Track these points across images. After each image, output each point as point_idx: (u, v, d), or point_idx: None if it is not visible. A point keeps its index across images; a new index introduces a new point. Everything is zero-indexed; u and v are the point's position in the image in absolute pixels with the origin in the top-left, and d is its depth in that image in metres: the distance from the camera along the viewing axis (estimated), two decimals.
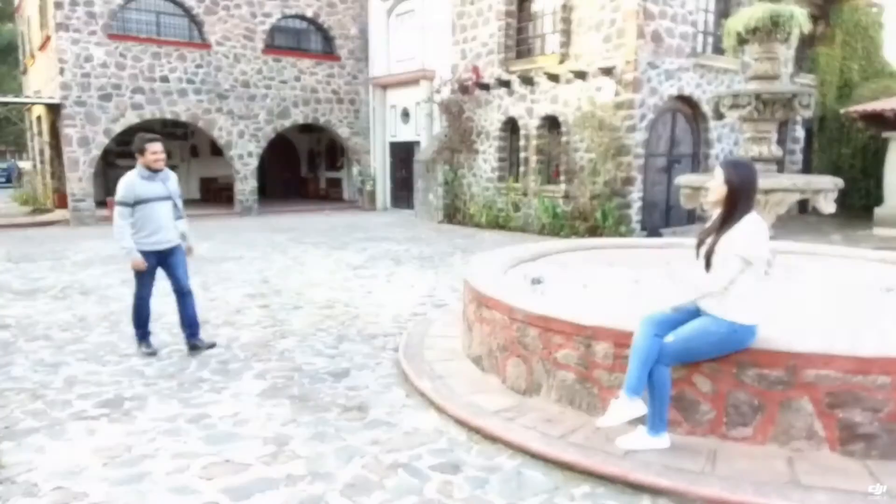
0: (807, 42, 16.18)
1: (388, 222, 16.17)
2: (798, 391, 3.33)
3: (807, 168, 16.80)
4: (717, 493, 2.99)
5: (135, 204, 5.05)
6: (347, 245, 12.05)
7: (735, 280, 3.27)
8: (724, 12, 13.12)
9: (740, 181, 3.28)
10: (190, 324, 5.40)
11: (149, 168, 5.08)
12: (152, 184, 5.11)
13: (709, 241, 3.37)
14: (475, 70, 15.36)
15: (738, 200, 3.28)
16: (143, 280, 5.26)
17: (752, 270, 3.28)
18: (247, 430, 3.91)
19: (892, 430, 3.24)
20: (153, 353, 5.31)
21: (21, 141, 32.97)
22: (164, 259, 5.25)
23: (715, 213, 3.44)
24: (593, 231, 12.35)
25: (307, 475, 3.35)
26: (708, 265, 3.39)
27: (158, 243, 5.17)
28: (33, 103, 18.75)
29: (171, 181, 5.29)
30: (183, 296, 5.36)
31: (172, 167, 20.98)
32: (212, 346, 5.47)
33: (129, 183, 5.04)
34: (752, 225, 3.25)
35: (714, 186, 3.38)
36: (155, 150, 5.05)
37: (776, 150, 5.71)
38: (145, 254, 5.12)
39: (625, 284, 6.16)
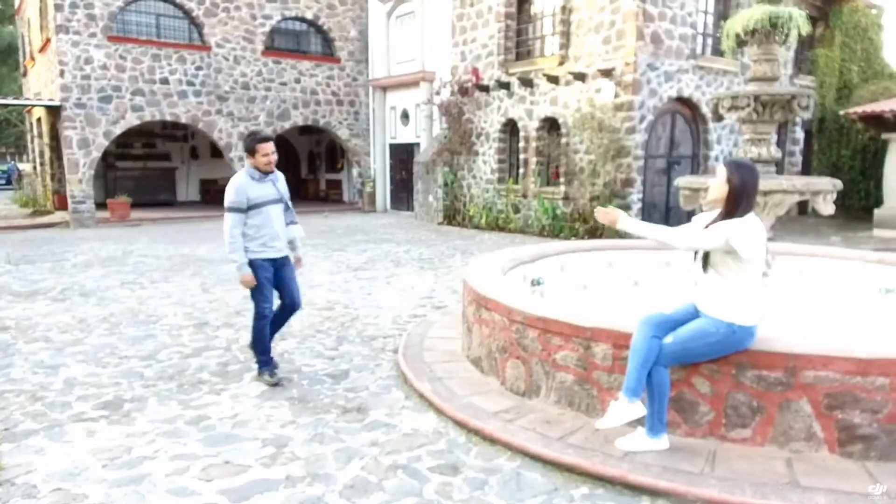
0: (806, 43, 16.20)
1: (387, 224, 16.17)
2: (797, 392, 3.33)
3: (806, 169, 16.81)
4: (716, 495, 2.99)
5: (248, 209, 4.52)
6: (347, 246, 12.06)
7: (700, 248, 3.31)
8: (723, 14, 13.14)
9: (742, 182, 3.27)
10: (274, 332, 4.92)
11: (259, 170, 4.60)
12: (264, 185, 4.60)
13: None
14: (475, 72, 15.37)
15: (739, 201, 3.27)
16: (264, 295, 4.64)
17: (748, 268, 3.27)
18: (246, 431, 3.91)
19: (891, 432, 3.24)
20: (278, 384, 4.68)
21: (21, 143, 33.01)
22: (277, 269, 4.70)
23: (714, 212, 3.45)
24: (593, 232, 12.35)
25: (306, 476, 3.35)
26: (705, 266, 3.40)
27: (274, 251, 4.65)
28: (33, 105, 18.78)
29: (280, 182, 4.77)
30: (293, 311, 4.87)
31: (173, 169, 20.92)
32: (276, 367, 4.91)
33: (240, 185, 4.52)
34: (748, 223, 3.25)
35: (715, 185, 3.37)
36: (266, 150, 4.55)
37: (775, 152, 5.71)
38: (261, 264, 4.58)
39: (624, 286, 6.17)
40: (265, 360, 4.79)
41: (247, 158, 4.63)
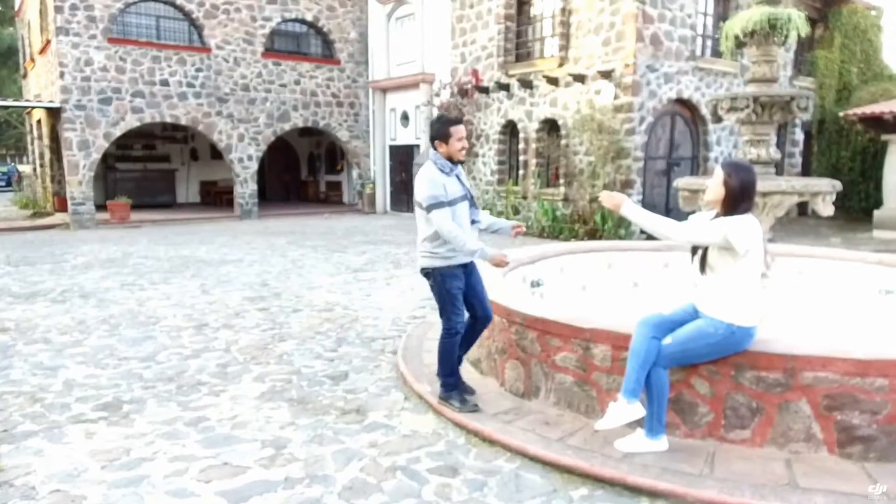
0: (805, 45, 16.21)
1: (387, 225, 16.17)
2: (796, 393, 3.33)
3: (806, 171, 16.82)
4: (715, 496, 2.99)
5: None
6: (347, 248, 12.06)
7: (698, 241, 3.32)
8: (722, 15, 13.15)
9: (740, 184, 3.27)
10: (466, 350, 4.34)
11: (450, 159, 3.99)
12: (451, 179, 3.98)
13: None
14: (474, 73, 15.38)
15: (737, 202, 3.27)
16: (456, 308, 4.03)
17: (746, 267, 3.28)
18: (245, 432, 3.91)
19: (891, 433, 3.23)
20: (475, 410, 4.02)
21: (21, 144, 33.02)
22: (466, 276, 4.11)
23: (712, 213, 3.45)
24: (592, 234, 12.35)
25: (305, 478, 3.35)
26: (703, 267, 3.40)
27: (465, 255, 4.04)
28: (33, 107, 18.78)
29: (463, 175, 4.14)
30: (486, 324, 4.24)
31: (173, 171, 20.90)
32: (470, 393, 4.24)
33: (435, 178, 3.91)
34: (745, 220, 3.25)
35: (712, 186, 3.38)
36: (461, 134, 3.96)
37: (775, 153, 5.72)
38: (451, 272, 3.99)
39: (623, 287, 6.17)
40: (452, 384, 4.13)
41: (437, 147, 3.98)
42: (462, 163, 4.05)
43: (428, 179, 3.91)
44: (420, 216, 4.01)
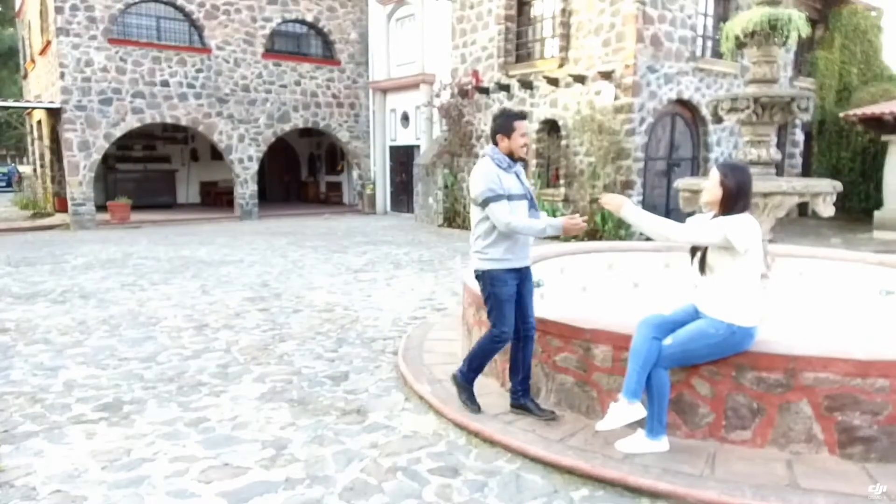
0: (806, 46, 16.21)
1: (387, 226, 16.17)
2: (797, 394, 3.33)
3: (806, 171, 16.81)
4: (716, 497, 2.99)
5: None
6: (347, 249, 12.06)
7: (698, 241, 3.33)
8: (722, 16, 13.15)
9: (736, 185, 3.31)
10: (526, 375, 3.97)
11: (511, 156, 3.83)
12: (509, 175, 3.80)
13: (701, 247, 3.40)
14: (475, 74, 15.38)
15: (734, 203, 3.31)
16: (503, 314, 3.80)
17: (746, 267, 3.28)
18: (245, 433, 3.91)
19: (891, 433, 3.23)
20: (477, 411, 3.97)
21: (21, 145, 33.02)
22: (518, 282, 3.90)
23: (710, 214, 3.46)
24: (593, 234, 12.34)
25: (306, 479, 3.34)
26: (702, 269, 3.40)
27: (519, 259, 3.86)
28: (34, 107, 18.79)
29: (523, 174, 3.96)
30: (527, 341, 3.93)
31: (173, 171, 20.89)
32: (552, 416, 3.87)
33: (489, 171, 3.74)
34: (743, 219, 3.28)
35: (709, 187, 3.41)
36: (524, 129, 3.81)
37: (775, 154, 5.70)
38: (503, 277, 3.80)
39: (624, 288, 6.17)
40: (471, 380, 4.02)
41: (499, 141, 3.82)
42: (524, 161, 3.84)
43: (482, 173, 3.75)
44: (475, 213, 3.86)
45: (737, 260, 3.27)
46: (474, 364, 4.02)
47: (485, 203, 3.72)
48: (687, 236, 3.36)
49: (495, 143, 3.85)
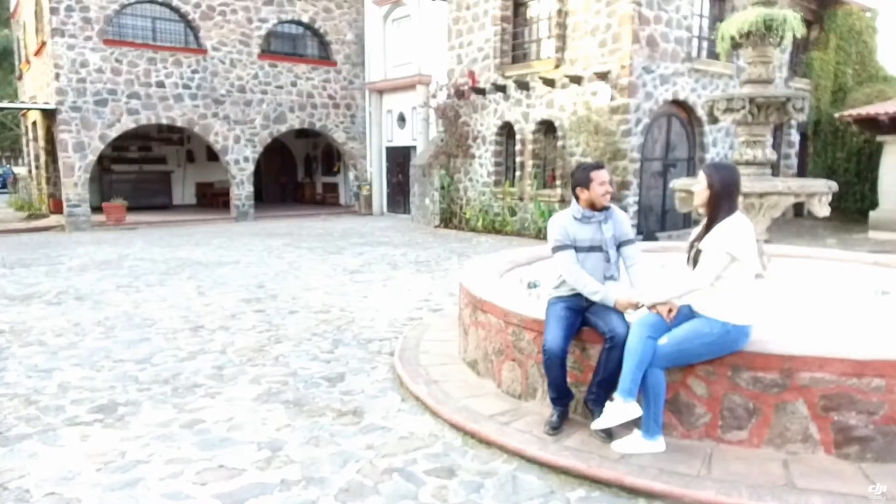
0: (801, 46, 16.25)
1: (384, 227, 16.16)
2: (793, 394, 3.33)
3: (802, 172, 16.85)
4: (712, 497, 2.99)
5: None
6: (343, 249, 12.04)
7: (721, 276, 3.32)
8: (718, 17, 13.17)
9: (721, 182, 3.39)
10: (602, 379, 3.67)
11: (592, 207, 3.86)
12: (585, 226, 3.85)
13: (696, 244, 3.43)
14: (471, 75, 15.38)
15: (721, 201, 3.38)
16: (549, 327, 3.78)
17: (742, 268, 3.31)
18: (241, 435, 3.89)
19: (887, 433, 3.24)
20: (554, 433, 3.72)
21: (16, 146, 32.92)
22: (584, 308, 3.86)
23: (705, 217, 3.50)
24: None
25: (301, 480, 3.33)
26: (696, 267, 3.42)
27: (579, 296, 3.85)
28: (29, 109, 18.72)
29: (609, 222, 3.88)
30: (612, 349, 3.60)
31: (168, 172, 20.81)
32: (601, 437, 3.61)
33: (557, 222, 3.89)
34: (736, 222, 3.32)
35: (698, 190, 3.50)
36: (603, 178, 3.82)
37: (770, 154, 5.71)
38: (563, 299, 3.88)
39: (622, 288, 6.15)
40: (554, 399, 3.82)
41: (579, 193, 3.88)
42: (607, 208, 3.88)
43: (554, 224, 3.91)
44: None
45: (732, 259, 3.29)
46: (550, 388, 3.84)
47: (553, 251, 3.90)
48: (706, 278, 3.33)
49: (576, 197, 3.93)
